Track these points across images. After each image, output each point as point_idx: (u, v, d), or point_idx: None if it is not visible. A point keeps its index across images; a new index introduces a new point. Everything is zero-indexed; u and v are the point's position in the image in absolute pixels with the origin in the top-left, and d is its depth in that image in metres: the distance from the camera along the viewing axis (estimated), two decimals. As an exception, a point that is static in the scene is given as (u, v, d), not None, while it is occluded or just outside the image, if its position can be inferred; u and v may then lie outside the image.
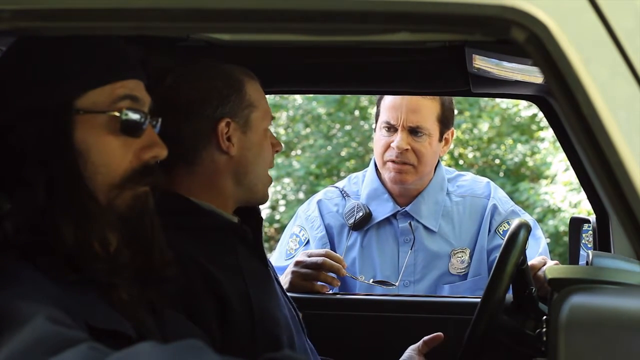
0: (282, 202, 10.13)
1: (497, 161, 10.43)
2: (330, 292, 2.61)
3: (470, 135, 10.48)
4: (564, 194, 8.89)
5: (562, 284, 1.24)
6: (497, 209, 2.69)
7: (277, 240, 9.54)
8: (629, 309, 1.08)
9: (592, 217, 2.43)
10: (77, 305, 1.24)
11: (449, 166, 3.64)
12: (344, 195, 2.77)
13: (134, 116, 1.38)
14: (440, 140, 2.69)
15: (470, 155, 10.54)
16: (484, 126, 10.40)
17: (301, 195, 9.89)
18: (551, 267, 1.46)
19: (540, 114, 8.34)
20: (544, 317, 1.78)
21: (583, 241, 2.46)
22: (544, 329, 1.75)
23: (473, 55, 2.02)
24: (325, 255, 2.51)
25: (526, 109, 10.00)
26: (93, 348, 1.10)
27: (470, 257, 2.67)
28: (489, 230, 2.68)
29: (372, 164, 2.78)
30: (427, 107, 2.63)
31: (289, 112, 10.52)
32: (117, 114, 1.36)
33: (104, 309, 1.31)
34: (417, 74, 2.35)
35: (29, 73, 1.36)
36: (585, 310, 1.08)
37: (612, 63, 1.13)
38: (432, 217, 2.69)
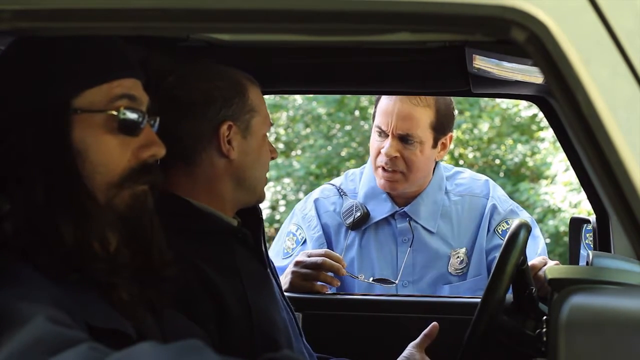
0: (282, 202, 10.13)
1: (497, 161, 10.43)
2: (330, 291, 2.61)
3: (470, 136, 10.48)
4: (564, 194, 8.89)
5: (562, 284, 1.24)
6: (497, 208, 2.67)
7: (277, 240, 9.56)
8: (629, 309, 1.08)
9: (592, 217, 2.43)
10: (77, 305, 1.24)
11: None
12: (341, 193, 2.76)
13: (132, 115, 1.38)
14: (434, 146, 2.64)
15: (471, 156, 10.54)
16: (484, 126, 10.40)
17: (301, 195, 9.88)
18: (551, 267, 1.46)
19: (540, 114, 8.34)
20: (544, 317, 1.78)
21: (586, 241, 2.45)
22: (544, 329, 1.75)
23: (473, 55, 2.01)
24: (325, 255, 2.50)
25: (526, 109, 10.00)
26: (93, 348, 1.10)
27: (469, 257, 2.66)
28: (488, 230, 2.67)
29: (369, 163, 2.76)
30: (418, 115, 2.58)
31: (289, 112, 10.52)
32: (114, 113, 1.36)
33: (103, 309, 1.31)
34: (417, 74, 2.35)
35: (27, 73, 1.36)
36: (585, 310, 1.08)
37: (612, 63, 1.13)
38: (430, 218, 2.68)
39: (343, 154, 10.23)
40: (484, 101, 10.26)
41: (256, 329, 1.82)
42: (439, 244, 2.67)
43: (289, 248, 2.75)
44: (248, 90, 1.90)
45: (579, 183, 2.50)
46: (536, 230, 2.65)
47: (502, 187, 2.91)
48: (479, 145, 10.51)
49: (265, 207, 9.65)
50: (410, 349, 2.21)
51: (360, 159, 9.92)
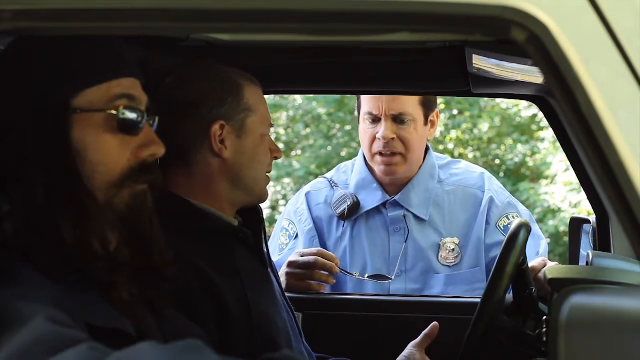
0: (282, 202, 10.14)
1: (497, 161, 10.43)
2: (329, 291, 2.61)
3: (470, 136, 10.48)
4: (564, 194, 8.90)
5: (562, 284, 1.24)
6: (494, 201, 2.65)
7: (277, 240, 9.56)
8: (629, 309, 1.08)
9: (592, 217, 2.43)
10: (77, 305, 1.24)
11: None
12: (333, 185, 2.75)
13: (131, 115, 1.38)
14: (425, 123, 2.65)
15: (471, 156, 10.53)
16: (484, 126, 10.40)
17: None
18: (551, 267, 1.46)
19: (540, 114, 8.33)
20: (544, 317, 1.78)
21: (587, 240, 2.45)
22: (544, 329, 1.75)
23: (473, 55, 2.01)
24: (318, 254, 2.49)
25: (526, 109, 10.00)
26: (93, 348, 1.10)
27: (461, 247, 2.64)
28: (488, 223, 2.64)
29: (360, 153, 2.76)
30: None
31: (289, 112, 10.53)
32: (114, 112, 1.37)
33: (103, 308, 1.31)
34: (417, 74, 2.35)
35: (26, 73, 1.36)
36: (585, 310, 1.08)
37: (612, 63, 1.13)
38: (422, 205, 2.66)
39: (343, 154, 10.23)
40: (484, 101, 10.26)
41: (256, 329, 1.82)
42: (430, 233, 2.65)
43: (283, 244, 2.75)
44: (244, 89, 1.90)
45: (579, 183, 2.49)
46: (536, 229, 2.65)
47: (502, 187, 2.88)
48: (479, 145, 10.51)
49: (265, 207, 9.64)
50: (410, 348, 2.21)
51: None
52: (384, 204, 2.68)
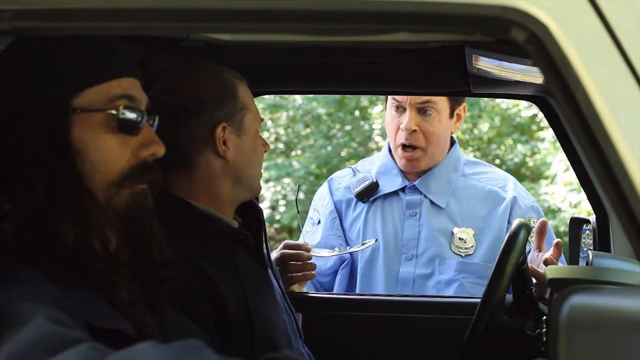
0: (282, 202, 10.12)
1: (497, 161, 10.42)
2: (327, 291, 2.61)
3: (470, 135, 10.48)
4: (564, 194, 8.89)
5: (562, 284, 1.24)
6: (517, 201, 2.63)
7: (278, 240, 9.53)
8: (629, 309, 1.08)
9: (592, 217, 2.43)
10: (77, 305, 1.24)
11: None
12: (355, 171, 2.77)
13: (131, 114, 1.38)
14: (451, 116, 2.65)
15: (471, 155, 10.52)
16: (484, 126, 10.39)
17: (301, 196, 9.88)
18: (551, 267, 1.46)
19: (540, 114, 8.33)
20: (544, 317, 1.78)
21: (585, 241, 2.45)
22: (544, 329, 1.75)
23: (473, 55, 2.01)
24: (283, 247, 2.41)
25: (526, 109, 9.99)
26: (93, 348, 1.10)
27: (476, 239, 2.61)
28: (509, 223, 2.59)
29: (386, 144, 2.77)
30: None
31: (289, 112, 10.51)
32: (114, 112, 1.37)
33: (103, 308, 1.31)
34: (417, 74, 2.35)
35: (25, 73, 1.36)
36: (585, 310, 1.08)
37: (612, 63, 1.13)
38: (441, 193, 2.66)
39: (343, 154, 10.22)
40: (484, 101, 10.25)
41: (255, 329, 1.82)
42: (445, 220, 2.64)
43: (307, 232, 2.77)
44: (238, 88, 1.90)
45: (579, 183, 2.49)
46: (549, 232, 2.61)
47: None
48: (479, 145, 10.50)
49: (265, 207, 9.64)
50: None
51: (361, 159, 9.91)
52: (402, 189, 2.69)
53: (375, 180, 2.70)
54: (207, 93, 1.87)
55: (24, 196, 1.30)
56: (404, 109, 2.61)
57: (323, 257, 2.59)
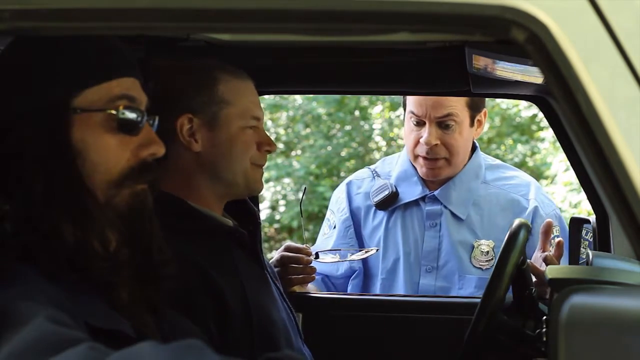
0: (282, 202, 10.12)
1: (498, 160, 10.41)
2: (326, 291, 2.60)
3: (470, 135, 10.46)
4: (564, 194, 8.89)
5: (562, 284, 1.24)
6: (539, 211, 2.59)
7: (278, 240, 9.54)
8: (629, 309, 1.08)
9: (592, 217, 2.43)
10: (77, 305, 1.24)
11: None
12: (375, 175, 2.73)
13: (131, 114, 1.38)
14: (471, 125, 2.61)
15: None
16: (484, 126, 10.39)
17: (300, 195, 9.88)
18: (551, 267, 1.46)
19: (540, 114, 8.33)
20: (544, 317, 1.78)
21: (585, 241, 2.45)
22: (544, 329, 1.75)
23: (473, 55, 2.01)
24: (284, 249, 2.41)
25: (526, 109, 9.99)
26: (93, 348, 1.10)
27: (495, 251, 2.57)
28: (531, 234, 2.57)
29: (405, 149, 2.72)
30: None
31: (289, 112, 10.51)
32: (114, 112, 1.37)
33: (103, 309, 1.31)
34: (417, 74, 2.35)
35: (25, 73, 1.36)
36: (585, 310, 1.08)
37: (612, 63, 1.13)
38: (461, 204, 2.62)
39: (343, 154, 10.22)
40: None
41: (256, 328, 1.82)
42: (465, 232, 2.61)
43: (324, 234, 2.74)
44: (219, 82, 1.89)
45: (579, 183, 2.49)
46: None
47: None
48: (479, 145, 10.49)
49: (265, 207, 9.64)
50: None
51: (360, 159, 9.90)
52: (422, 198, 2.65)
53: (395, 190, 2.65)
54: (176, 84, 1.86)
55: (24, 196, 1.30)
56: (424, 123, 2.57)
57: (325, 262, 2.59)
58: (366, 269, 2.65)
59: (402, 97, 2.73)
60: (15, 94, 1.35)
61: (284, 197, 10.10)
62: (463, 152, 2.62)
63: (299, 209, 2.72)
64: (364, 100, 10.25)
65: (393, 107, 9.84)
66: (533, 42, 1.14)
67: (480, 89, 2.35)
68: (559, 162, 9.13)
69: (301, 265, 2.37)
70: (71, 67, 1.36)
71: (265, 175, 9.60)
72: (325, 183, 9.36)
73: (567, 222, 2.56)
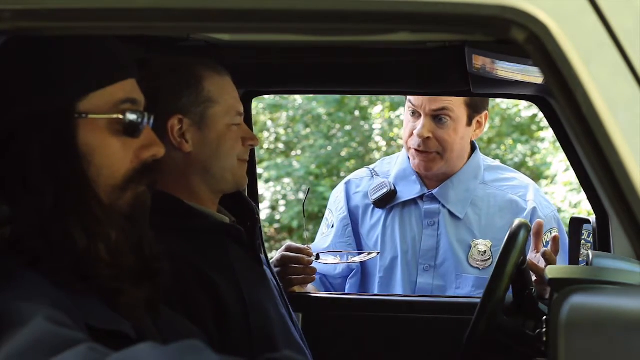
0: (282, 202, 10.12)
1: (497, 161, 10.42)
2: (326, 291, 2.60)
3: (470, 135, 10.46)
4: (564, 194, 8.89)
5: (562, 284, 1.24)
6: (537, 213, 2.58)
7: (278, 240, 9.53)
8: (629, 309, 1.08)
9: (592, 217, 2.43)
10: (76, 306, 1.24)
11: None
12: (374, 174, 2.74)
13: (133, 117, 1.38)
14: (469, 124, 2.61)
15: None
16: (484, 126, 10.39)
17: (301, 196, 9.88)
18: (551, 267, 1.46)
19: (540, 114, 8.33)
20: (544, 317, 1.78)
21: (585, 241, 2.45)
22: (544, 329, 1.75)
23: (473, 55, 2.01)
24: (285, 249, 2.42)
25: (526, 109, 9.99)
26: (93, 349, 1.10)
27: (493, 251, 2.57)
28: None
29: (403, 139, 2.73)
30: None
31: (289, 112, 10.51)
32: (120, 116, 1.36)
33: (103, 310, 1.31)
34: (417, 74, 2.35)
35: (29, 78, 1.35)
36: (585, 310, 1.08)
37: (612, 63, 1.13)
38: (459, 203, 2.62)
39: (343, 154, 10.22)
40: (484, 101, 10.24)
41: (254, 326, 1.82)
42: (464, 232, 2.61)
43: (323, 233, 2.75)
44: (204, 80, 1.89)
45: (579, 183, 2.49)
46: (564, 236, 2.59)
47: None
48: (479, 145, 10.49)
49: (265, 207, 9.63)
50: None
51: (360, 159, 9.91)
52: (420, 197, 2.65)
53: (393, 188, 2.66)
54: (162, 85, 1.85)
55: (32, 202, 1.29)
56: (419, 115, 2.57)
57: (328, 264, 2.59)
58: (364, 267, 2.65)
59: (402, 97, 2.73)
60: (19, 100, 1.33)
61: (284, 197, 10.10)
62: (458, 149, 2.62)
63: (298, 209, 2.71)
64: (364, 100, 10.25)
65: (393, 107, 9.84)
66: (533, 42, 1.14)
67: (480, 89, 2.35)
68: (559, 162, 9.13)
69: (302, 266, 2.38)
70: (75, 71, 1.35)
71: (265, 175, 9.61)
72: (325, 183, 9.36)
73: (566, 222, 2.55)
